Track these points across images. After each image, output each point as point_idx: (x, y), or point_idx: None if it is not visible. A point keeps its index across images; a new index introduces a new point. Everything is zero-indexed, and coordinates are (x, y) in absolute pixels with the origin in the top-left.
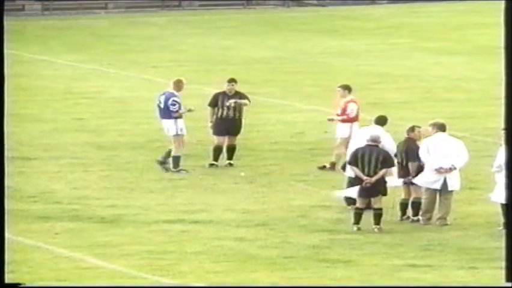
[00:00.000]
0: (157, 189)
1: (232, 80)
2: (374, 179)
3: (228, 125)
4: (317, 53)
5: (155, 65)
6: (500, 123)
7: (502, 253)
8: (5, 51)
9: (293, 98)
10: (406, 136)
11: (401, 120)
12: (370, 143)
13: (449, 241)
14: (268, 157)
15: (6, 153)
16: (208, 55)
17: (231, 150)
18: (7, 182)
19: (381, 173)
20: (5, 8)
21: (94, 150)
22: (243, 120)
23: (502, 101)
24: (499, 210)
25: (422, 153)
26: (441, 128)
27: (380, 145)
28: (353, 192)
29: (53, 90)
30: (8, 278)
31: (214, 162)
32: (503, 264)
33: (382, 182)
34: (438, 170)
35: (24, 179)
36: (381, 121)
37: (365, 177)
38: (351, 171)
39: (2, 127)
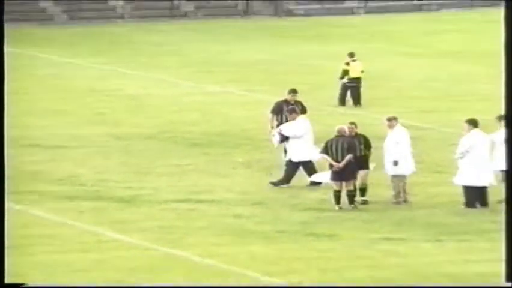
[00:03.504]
0: (167, 173)
1: (294, 91)
2: (341, 164)
3: None
4: (305, 56)
5: (165, 66)
6: (461, 116)
7: (464, 228)
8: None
9: (284, 94)
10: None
11: (377, 114)
12: (336, 133)
13: (418, 218)
14: (263, 145)
15: (39, 143)
16: (210, 58)
17: None
18: (39, 167)
19: (346, 158)
20: (37, 18)
21: (113, 140)
22: None
23: (462, 97)
24: (461, 191)
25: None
26: (392, 121)
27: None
28: (323, 177)
29: (78, 88)
30: (41, 251)
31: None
32: (465, 237)
33: (350, 167)
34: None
35: (54, 164)
36: None
37: (334, 163)
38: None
39: (2, 127)
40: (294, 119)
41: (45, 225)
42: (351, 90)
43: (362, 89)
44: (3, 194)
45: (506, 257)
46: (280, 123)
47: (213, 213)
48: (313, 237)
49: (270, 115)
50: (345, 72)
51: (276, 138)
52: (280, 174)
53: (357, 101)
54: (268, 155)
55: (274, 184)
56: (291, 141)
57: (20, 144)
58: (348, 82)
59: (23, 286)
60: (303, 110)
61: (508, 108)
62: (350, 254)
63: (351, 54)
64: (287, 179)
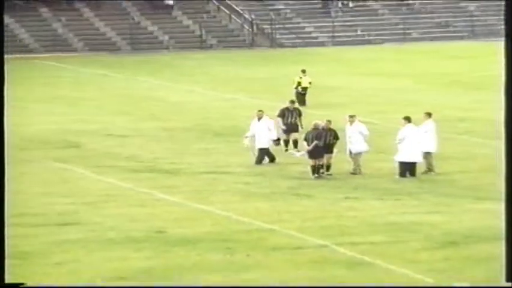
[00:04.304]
0: (198, 154)
1: (292, 101)
2: (310, 147)
3: (292, 127)
4: (291, 74)
5: (197, 82)
6: (399, 115)
7: (399, 191)
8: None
9: (282, 100)
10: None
11: (342, 114)
12: (312, 127)
13: (368, 184)
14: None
15: (111, 133)
16: (228, 76)
17: (295, 142)
18: (112, 150)
19: (313, 144)
20: (109, 49)
21: (162, 131)
22: (299, 123)
23: (399, 103)
24: (397, 166)
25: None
26: (353, 118)
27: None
28: (301, 155)
29: (137, 97)
30: (112, 206)
31: (287, 148)
32: (400, 197)
33: (318, 149)
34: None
35: (122, 148)
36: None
37: (308, 148)
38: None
39: (2, 126)
40: (261, 116)
41: (115, 188)
42: (303, 95)
43: (331, 97)
44: (3, 194)
45: (506, 257)
46: (284, 123)
47: (230, 180)
48: (297, 197)
49: (278, 118)
50: (299, 83)
51: (246, 142)
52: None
53: (304, 102)
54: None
55: (256, 163)
56: (262, 135)
57: (98, 134)
58: (300, 90)
59: (23, 286)
60: (300, 114)
61: (508, 111)
62: (322, 209)
63: (303, 71)
64: (272, 158)
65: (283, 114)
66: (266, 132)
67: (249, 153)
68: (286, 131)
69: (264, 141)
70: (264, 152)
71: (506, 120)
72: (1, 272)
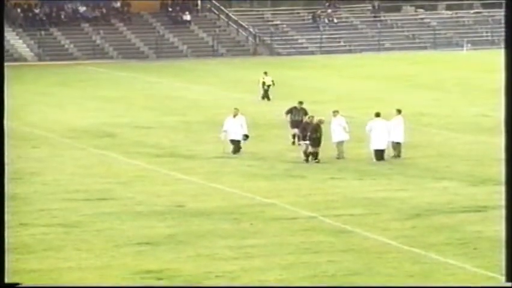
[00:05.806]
0: (210, 141)
1: (301, 102)
2: (303, 141)
3: (298, 123)
4: (287, 77)
5: (209, 83)
6: (371, 110)
7: (374, 172)
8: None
9: (278, 98)
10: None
11: (326, 109)
12: (317, 122)
13: (350, 166)
14: (264, 127)
15: (139, 125)
16: (234, 78)
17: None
18: (139, 138)
19: (306, 139)
20: (137, 56)
21: (180, 124)
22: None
23: (372, 101)
24: (372, 152)
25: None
26: (336, 112)
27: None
28: (306, 143)
29: (160, 95)
30: (138, 185)
31: (293, 140)
32: (375, 177)
33: (313, 139)
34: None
35: (147, 137)
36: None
37: (307, 138)
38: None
39: (2, 126)
40: (236, 114)
41: (143, 170)
42: (266, 92)
43: (315, 95)
44: (3, 194)
45: (506, 257)
46: (291, 120)
47: (235, 163)
48: (292, 177)
49: (284, 114)
50: (263, 83)
51: (223, 136)
52: (274, 142)
53: (268, 98)
54: (269, 132)
55: (233, 153)
56: (235, 129)
57: (129, 126)
58: (265, 88)
59: (20, 286)
60: (305, 113)
61: (507, 113)
62: (312, 187)
63: (265, 73)
64: (237, 149)
65: (290, 111)
66: (239, 127)
67: (226, 145)
68: (293, 126)
69: (237, 134)
70: (236, 143)
71: (506, 120)
72: (1, 272)
